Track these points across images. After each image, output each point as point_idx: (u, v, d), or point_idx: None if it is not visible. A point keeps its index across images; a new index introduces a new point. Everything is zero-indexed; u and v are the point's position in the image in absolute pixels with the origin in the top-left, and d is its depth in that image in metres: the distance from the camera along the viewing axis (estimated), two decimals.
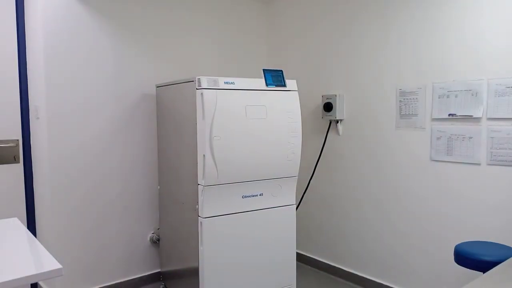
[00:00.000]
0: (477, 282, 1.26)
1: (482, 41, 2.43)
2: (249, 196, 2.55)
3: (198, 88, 2.36)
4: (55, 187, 2.73)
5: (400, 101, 2.83)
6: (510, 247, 2.26)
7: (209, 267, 2.44)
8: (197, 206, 2.45)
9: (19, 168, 2.92)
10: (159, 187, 2.99)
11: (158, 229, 3.16)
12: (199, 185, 2.43)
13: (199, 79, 2.35)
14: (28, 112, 2.92)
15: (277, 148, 2.58)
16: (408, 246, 2.86)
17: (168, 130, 2.85)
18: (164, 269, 3.05)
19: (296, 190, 2.82)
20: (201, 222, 2.42)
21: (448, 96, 2.57)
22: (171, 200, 2.85)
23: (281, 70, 2.66)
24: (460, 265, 2.19)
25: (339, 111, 3.20)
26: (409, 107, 2.78)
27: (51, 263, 1.41)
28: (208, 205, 2.41)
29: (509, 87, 2.31)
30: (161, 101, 2.96)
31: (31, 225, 2.95)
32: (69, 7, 2.72)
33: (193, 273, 2.53)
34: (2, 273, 1.30)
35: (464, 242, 2.32)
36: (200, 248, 2.43)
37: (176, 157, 2.73)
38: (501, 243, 2.34)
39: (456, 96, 2.53)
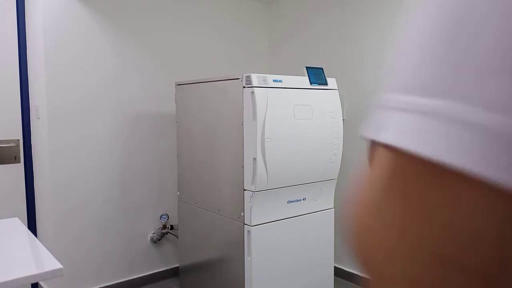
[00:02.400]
0: None
1: None
2: (294, 201, 2.44)
3: (246, 86, 2.21)
4: (56, 187, 2.73)
5: None
6: None
7: (257, 278, 2.29)
8: (242, 213, 2.31)
9: (19, 168, 2.92)
10: (178, 193, 2.88)
11: (176, 234, 3.16)
12: (246, 191, 2.26)
13: (248, 77, 2.20)
14: (29, 112, 2.92)
15: (321, 149, 2.47)
16: None
17: (195, 132, 2.69)
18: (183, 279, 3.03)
19: None
20: (248, 231, 2.27)
21: None
22: (198, 207, 2.69)
23: (322, 68, 2.56)
24: None
25: None
26: None
27: (51, 263, 1.41)
28: (257, 212, 2.27)
29: None
30: (183, 100, 2.79)
31: (32, 225, 2.96)
32: (69, 7, 2.72)
33: (236, 285, 2.38)
34: (3, 273, 1.30)
35: None
36: (248, 258, 2.28)
37: (209, 161, 2.56)
38: None
39: None
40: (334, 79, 2.62)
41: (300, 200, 2.47)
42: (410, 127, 0.22)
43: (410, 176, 0.23)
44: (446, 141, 0.21)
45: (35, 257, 1.50)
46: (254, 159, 2.21)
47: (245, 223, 2.29)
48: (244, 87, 2.23)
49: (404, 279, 0.23)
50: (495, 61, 0.20)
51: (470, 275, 0.21)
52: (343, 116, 3.21)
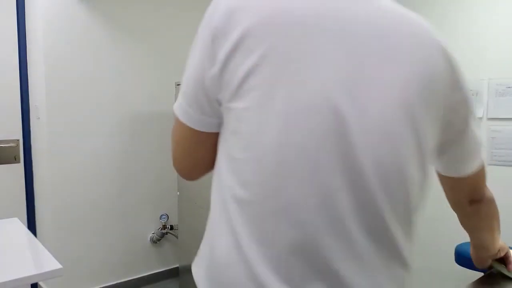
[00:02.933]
0: (477, 282, 1.26)
1: (482, 41, 2.43)
2: None
3: None
4: (55, 187, 2.73)
5: None
6: (510, 247, 2.25)
7: None
8: None
9: (19, 168, 2.92)
10: (178, 193, 2.89)
11: (175, 234, 3.16)
12: None
13: None
14: (29, 112, 2.92)
15: None
16: None
17: None
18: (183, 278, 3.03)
19: None
20: None
21: None
22: (198, 207, 2.69)
23: None
24: (461, 265, 2.19)
25: None
26: None
27: (51, 263, 1.40)
28: None
29: (509, 87, 2.31)
30: None
31: (32, 225, 2.95)
32: (69, 7, 2.72)
33: None
34: (2, 273, 1.30)
35: (464, 242, 2.32)
36: None
37: None
38: None
39: None
40: None
41: None
42: (179, 106, 0.72)
43: (175, 123, 0.73)
44: (179, 111, 0.71)
45: (34, 257, 1.49)
46: None
47: None
48: None
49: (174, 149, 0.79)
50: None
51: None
52: None
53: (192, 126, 0.70)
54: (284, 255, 0.60)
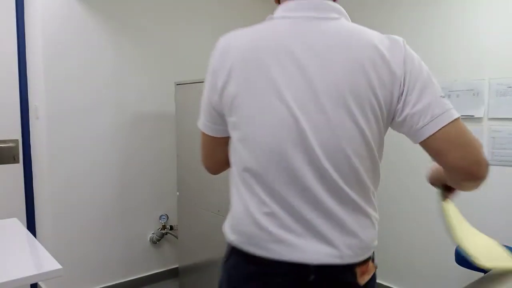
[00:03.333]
0: (477, 282, 1.26)
1: (483, 41, 2.43)
2: None
3: None
4: (55, 187, 2.73)
5: None
6: (511, 247, 2.25)
7: None
8: None
9: (18, 168, 2.91)
10: (178, 193, 2.89)
11: (174, 235, 3.16)
12: None
13: None
14: (28, 112, 2.92)
15: None
16: (409, 246, 2.86)
17: (195, 132, 2.68)
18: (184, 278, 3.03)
19: None
20: None
21: (449, 96, 2.57)
22: (198, 207, 2.70)
23: None
24: (461, 265, 2.19)
25: None
26: None
27: (51, 264, 1.40)
28: None
29: (510, 87, 2.31)
30: (183, 100, 2.79)
31: (31, 225, 2.95)
32: (69, 6, 2.72)
33: None
34: (2, 273, 1.30)
35: None
36: None
37: None
38: (502, 243, 2.34)
39: (457, 96, 2.53)
40: None
41: None
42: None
43: (201, 135, 1.08)
44: (201, 125, 1.07)
45: (34, 257, 1.49)
46: None
47: None
48: None
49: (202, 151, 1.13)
50: None
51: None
52: None
53: (210, 134, 1.05)
54: (275, 211, 0.91)
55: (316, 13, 0.92)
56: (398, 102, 0.88)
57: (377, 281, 3.36)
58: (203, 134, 1.06)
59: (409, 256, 2.86)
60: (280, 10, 1.00)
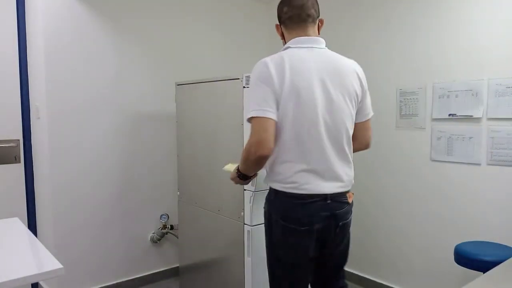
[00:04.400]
0: (477, 282, 1.26)
1: (482, 41, 2.43)
2: None
3: (246, 86, 2.22)
4: (56, 186, 2.73)
5: (401, 101, 2.83)
6: (510, 247, 2.26)
7: (257, 278, 2.28)
8: (242, 213, 2.31)
9: (19, 168, 2.92)
10: (178, 193, 2.90)
11: (176, 235, 3.16)
12: (246, 191, 2.27)
13: (248, 77, 2.19)
14: (29, 112, 2.92)
15: None
16: (408, 246, 2.86)
17: (195, 132, 2.69)
18: (184, 277, 3.03)
19: None
20: (248, 231, 2.27)
21: (448, 96, 2.57)
22: (198, 207, 2.71)
23: None
24: (460, 265, 2.19)
25: None
26: (409, 107, 2.78)
27: (52, 263, 1.41)
28: (257, 212, 2.25)
29: (509, 87, 2.32)
30: (183, 100, 2.80)
31: (32, 225, 2.96)
32: (69, 6, 2.73)
33: (236, 285, 2.39)
34: (3, 273, 1.31)
35: (464, 242, 2.33)
36: (248, 258, 2.28)
37: (209, 161, 2.57)
38: (501, 243, 2.34)
39: (456, 96, 2.53)
40: None
41: None
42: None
43: (252, 124, 1.51)
44: (259, 113, 1.52)
45: (35, 257, 1.50)
46: None
47: (245, 223, 2.30)
48: (244, 87, 2.24)
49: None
50: None
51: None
52: None
53: (268, 116, 1.48)
54: (311, 167, 1.56)
55: (316, 44, 1.60)
56: (361, 99, 1.67)
57: (377, 281, 3.37)
58: (259, 120, 1.48)
59: (408, 256, 2.87)
60: (293, 42, 1.60)
